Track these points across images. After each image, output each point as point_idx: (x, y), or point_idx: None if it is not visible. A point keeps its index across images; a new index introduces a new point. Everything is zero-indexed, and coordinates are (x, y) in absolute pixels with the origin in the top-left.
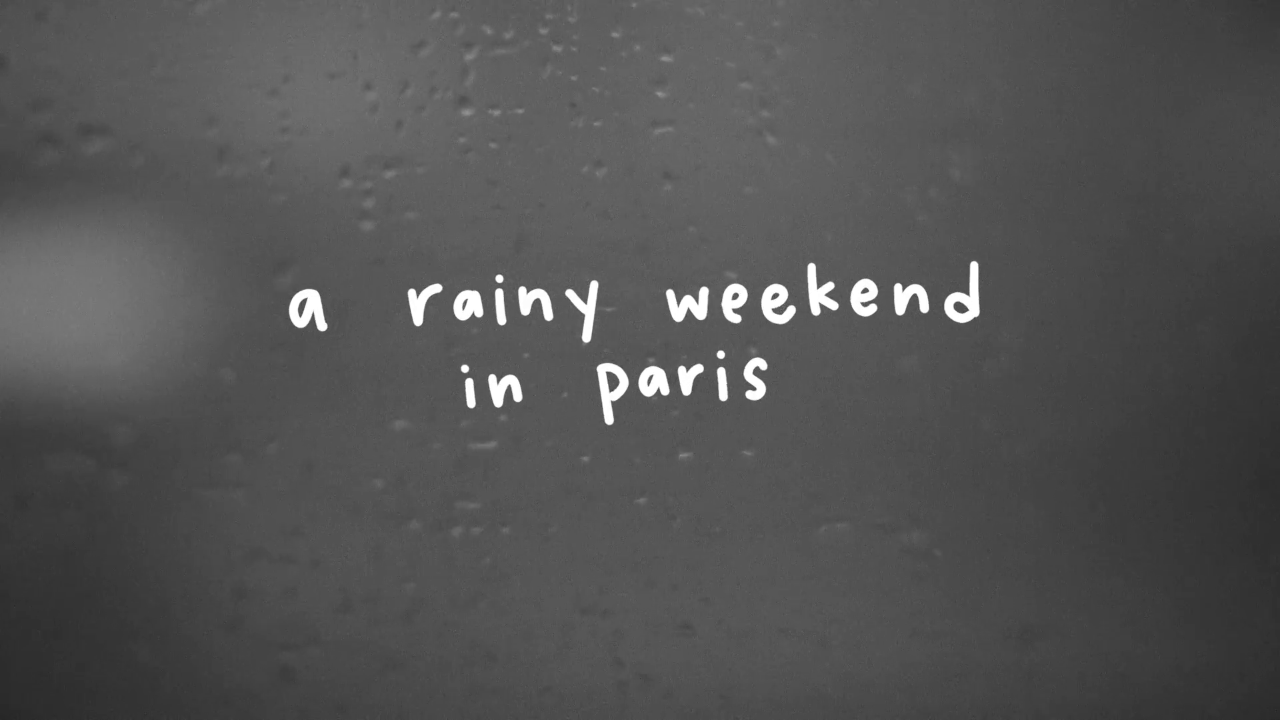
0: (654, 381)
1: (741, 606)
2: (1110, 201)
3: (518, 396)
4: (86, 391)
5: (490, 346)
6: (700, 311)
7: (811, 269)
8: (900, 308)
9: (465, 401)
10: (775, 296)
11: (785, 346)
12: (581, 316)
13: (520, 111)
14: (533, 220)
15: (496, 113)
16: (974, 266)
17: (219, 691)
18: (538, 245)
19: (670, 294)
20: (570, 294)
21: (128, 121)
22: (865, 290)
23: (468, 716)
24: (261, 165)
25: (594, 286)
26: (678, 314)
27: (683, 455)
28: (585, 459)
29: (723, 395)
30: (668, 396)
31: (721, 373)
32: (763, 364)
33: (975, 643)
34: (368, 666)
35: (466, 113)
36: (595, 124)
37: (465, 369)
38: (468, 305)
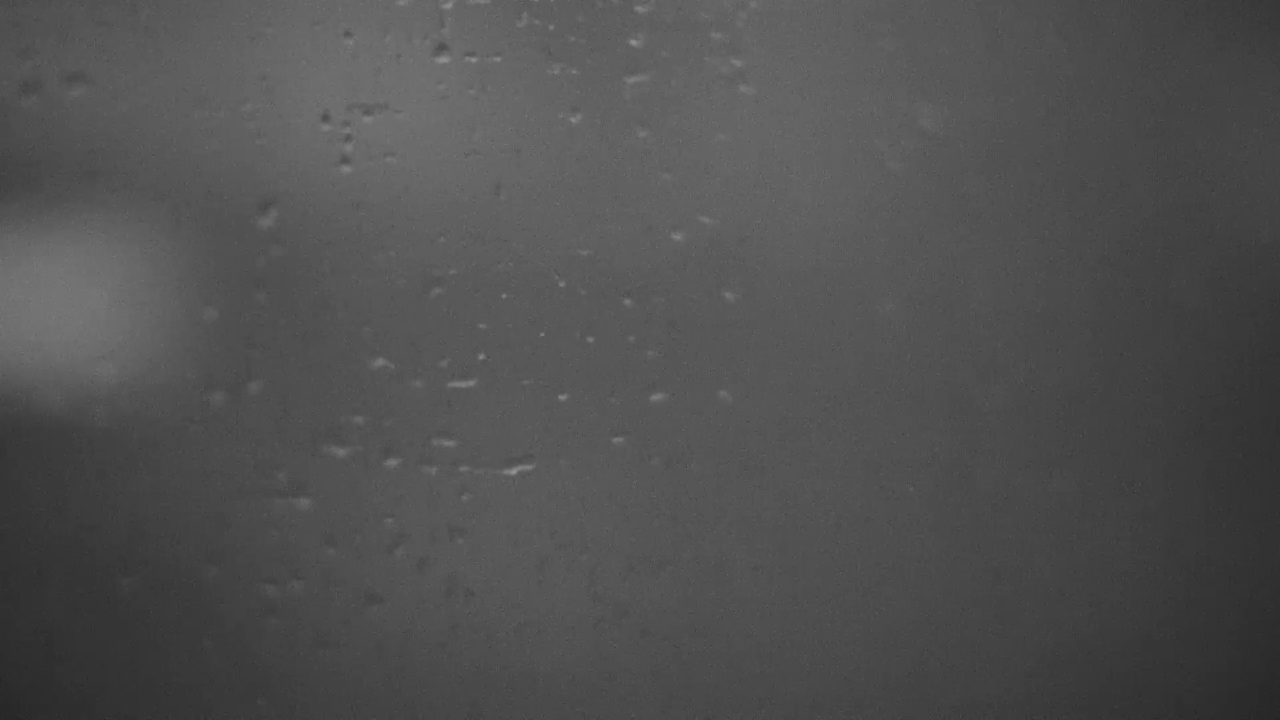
0: (630, 322)
1: (717, 544)
2: (1083, 148)
3: (496, 337)
4: (70, 331)
5: (468, 288)
6: (675, 255)
7: (785, 215)
8: (874, 251)
9: (444, 341)
10: (748, 241)
11: (760, 291)
12: (558, 258)
13: (497, 59)
14: (509, 166)
15: (474, 60)
16: (945, 215)
17: (201, 625)
18: (514, 190)
19: (645, 236)
20: (546, 237)
21: (109, 69)
22: (839, 236)
23: (446, 650)
24: (242, 111)
25: (569, 229)
26: (653, 255)
27: (658, 396)
28: (563, 398)
29: (700, 336)
30: (644, 337)
31: (699, 314)
32: (738, 306)
33: (949, 582)
34: (348, 600)
35: (443, 60)
36: (571, 72)
37: (444, 309)
38: (446, 247)
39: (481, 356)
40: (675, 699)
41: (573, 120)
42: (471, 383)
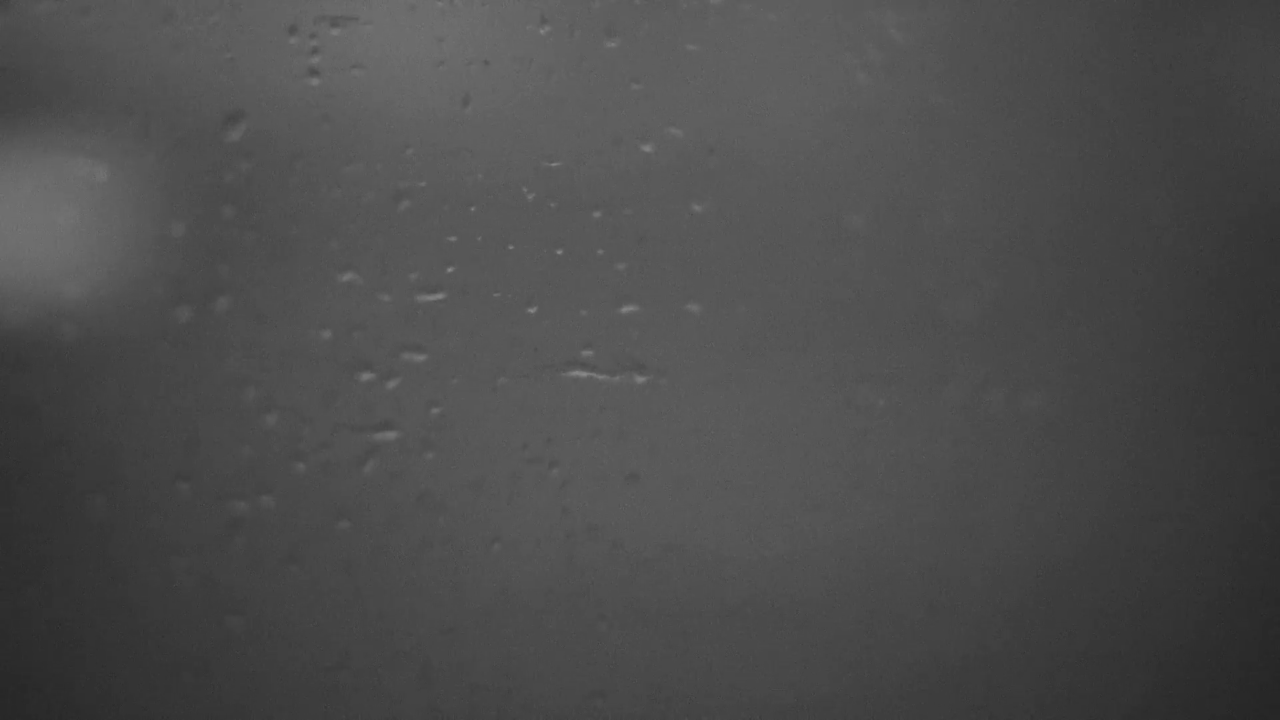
0: (599, 234)
1: (687, 458)
2: (1054, 62)
3: (465, 250)
4: (37, 248)
5: (437, 199)
6: (644, 165)
7: (754, 127)
8: (843, 163)
9: (413, 254)
10: (716, 151)
11: (729, 201)
12: (526, 171)
13: None
14: (478, 77)
15: None
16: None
17: (170, 541)
18: (482, 102)
19: (614, 148)
20: (515, 150)
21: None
22: (807, 148)
23: (417, 565)
24: (209, 23)
25: (538, 141)
26: (622, 167)
27: (628, 309)
28: (532, 310)
29: (669, 248)
30: (613, 250)
31: (668, 227)
32: (707, 219)
33: (918, 499)
34: (317, 516)
35: None
36: None
37: (412, 222)
38: (414, 159)
39: (450, 270)
40: (646, 613)
41: (541, 31)
42: (440, 296)
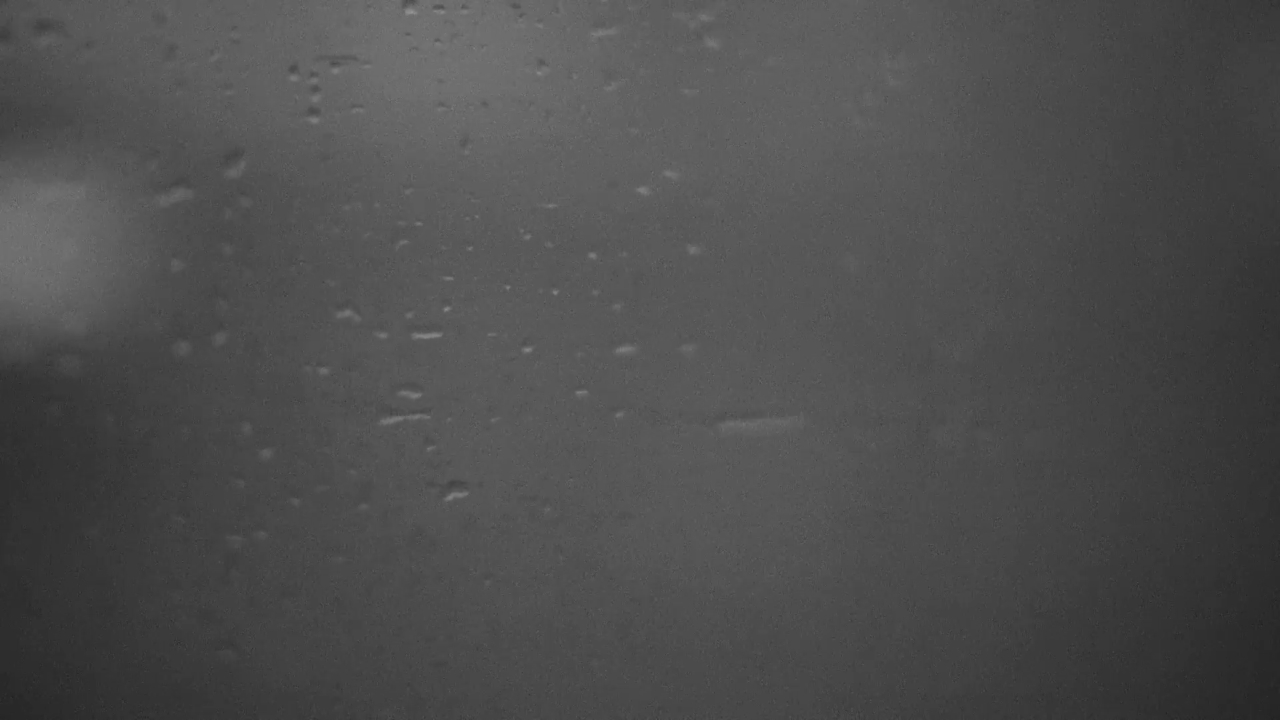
0: (595, 275)
1: (680, 497)
2: (1048, 105)
3: (462, 289)
4: (36, 281)
5: (435, 239)
6: (640, 209)
7: (750, 169)
8: (838, 208)
9: (410, 293)
10: (714, 194)
11: (725, 243)
12: (524, 211)
13: (464, 11)
14: (477, 118)
15: (441, 12)
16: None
17: (166, 575)
18: (481, 143)
19: (611, 190)
20: (513, 190)
21: (79, 18)
22: (802, 191)
23: (410, 602)
24: (210, 61)
25: (535, 182)
26: (618, 209)
27: (623, 349)
28: (527, 350)
29: (664, 289)
30: (609, 290)
31: (663, 268)
32: (703, 261)
33: (913, 536)
34: (312, 551)
35: (411, 12)
36: (538, 25)
37: (410, 261)
38: (412, 199)
39: (447, 309)
40: (638, 649)
41: (539, 73)
42: (437, 335)
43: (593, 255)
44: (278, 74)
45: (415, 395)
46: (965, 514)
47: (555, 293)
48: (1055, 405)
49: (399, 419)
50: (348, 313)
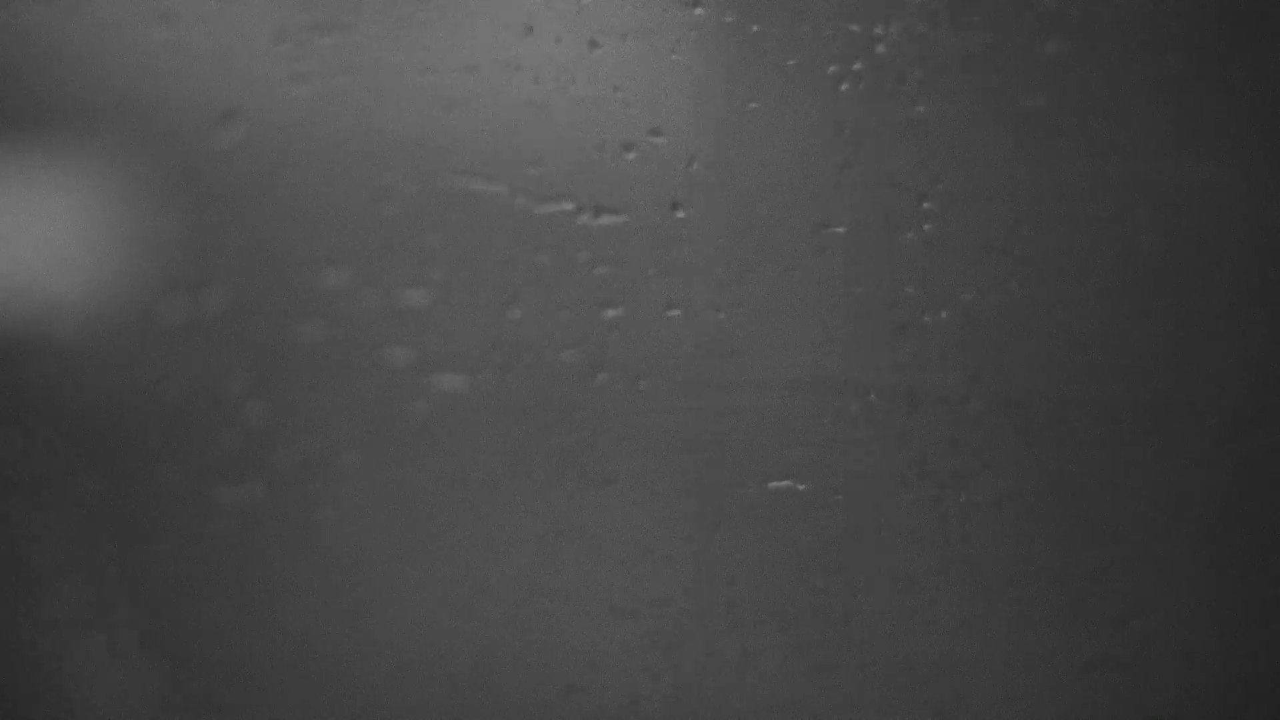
0: (581, 238)
1: (664, 460)
2: (1036, 78)
3: (448, 251)
4: (27, 246)
5: (422, 203)
6: (627, 173)
7: (736, 134)
8: (825, 175)
9: (396, 254)
10: (696, 161)
11: (710, 209)
12: (510, 175)
13: None
14: (464, 85)
15: None
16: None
17: (158, 527)
18: (468, 109)
19: (596, 155)
20: (499, 154)
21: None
22: (789, 155)
23: (396, 557)
24: (200, 31)
25: (522, 147)
26: (605, 174)
27: (610, 312)
28: (513, 311)
29: (650, 253)
30: (595, 254)
31: (648, 231)
32: (688, 225)
33: (893, 497)
34: (302, 502)
35: None
36: None
37: (396, 222)
38: (399, 165)
39: (433, 270)
40: (622, 612)
41: (527, 37)
42: (424, 295)
43: (580, 219)
44: (267, 40)
45: (403, 354)
46: (945, 471)
47: (541, 256)
48: (1028, 361)
49: (386, 376)
50: (335, 273)
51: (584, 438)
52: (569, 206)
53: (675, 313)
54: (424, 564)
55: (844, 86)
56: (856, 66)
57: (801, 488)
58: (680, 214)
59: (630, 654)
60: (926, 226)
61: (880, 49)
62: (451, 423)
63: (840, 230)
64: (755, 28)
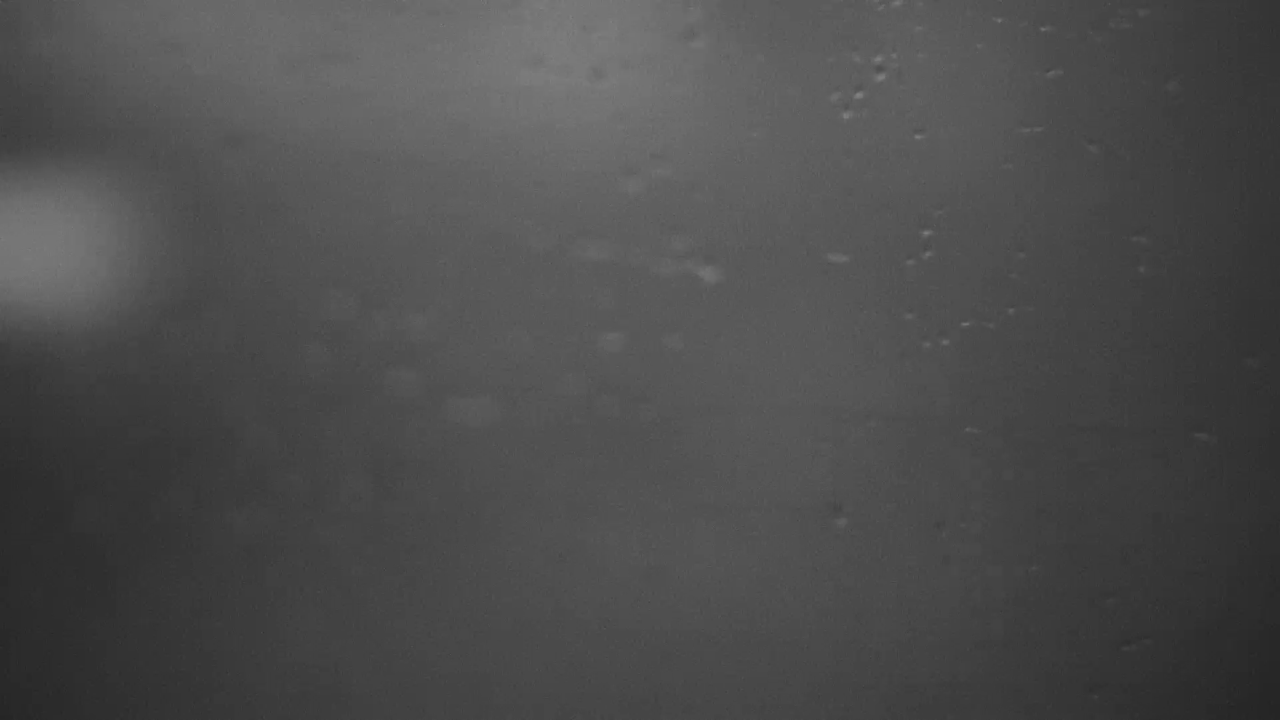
0: (586, 265)
1: (668, 485)
2: (1039, 93)
3: (454, 272)
4: (33, 261)
5: (429, 224)
6: (630, 199)
7: (741, 163)
8: (827, 200)
9: (403, 275)
10: (703, 189)
11: (712, 236)
12: (515, 203)
13: (457, 11)
14: (473, 110)
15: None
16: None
17: (156, 547)
18: (475, 135)
19: (599, 180)
20: (505, 182)
21: (82, 18)
22: (789, 184)
23: (400, 581)
24: (209, 58)
25: (527, 175)
26: (608, 201)
27: (612, 337)
28: (520, 334)
29: (652, 279)
30: (598, 279)
31: (652, 255)
32: (694, 254)
33: (891, 528)
34: (304, 529)
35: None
36: (531, 25)
37: (404, 243)
38: (408, 184)
39: (440, 292)
40: (624, 635)
41: (534, 70)
42: (430, 317)
43: (585, 245)
44: (276, 62)
45: (408, 376)
46: (946, 501)
47: (547, 280)
48: (1038, 396)
49: (390, 399)
50: (342, 295)
51: (586, 462)
52: (574, 232)
53: (677, 338)
54: (428, 585)
55: (846, 115)
56: (858, 94)
57: (803, 511)
58: (682, 240)
59: (631, 676)
60: (927, 254)
61: (879, 76)
62: (456, 443)
63: (842, 258)
64: (759, 57)
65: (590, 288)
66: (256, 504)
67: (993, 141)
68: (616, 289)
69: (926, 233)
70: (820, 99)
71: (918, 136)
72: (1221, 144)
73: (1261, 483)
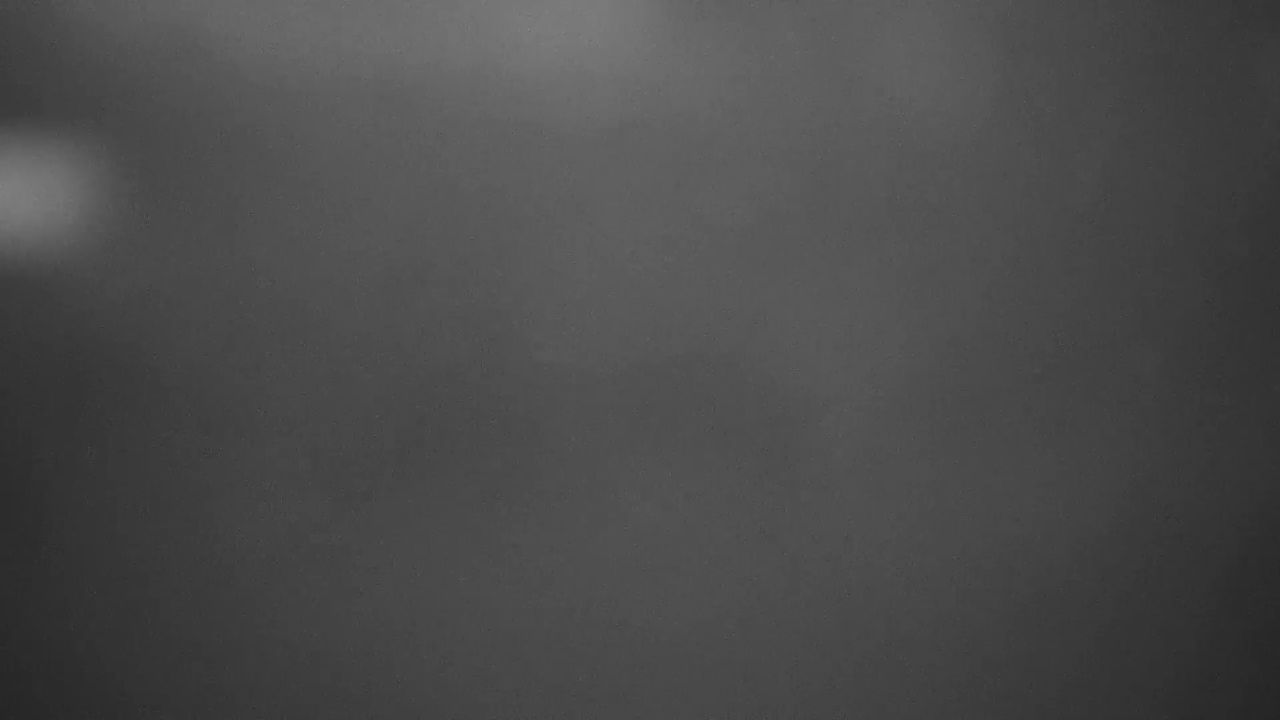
0: (583, 256)
1: (657, 477)
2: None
3: (445, 262)
4: (18, 246)
5: (421, 214)
6: (629, 184)
7: (737, 145)
8: (825, 192)
9: (394, 263)
10: (695, 170)
11: (708, 219)
12: (509, 190)
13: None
14: (465, 98)
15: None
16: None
17: (154, 535)
18: (469, 127)
19: (601, 178)
20: (499, 171)
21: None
22: (788, 174)
23: (395, 577)
24: (209, 46)
25: (522, 163)
26: (605, 195)
27: (608, 323)
28: (512, 324)
29: (649, 264)
30: (595, 264)
31: (648, 241)
32: (685, 236)
33: (896, 531)
34: (298, 519)
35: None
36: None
37: (394, 233)
38: (403, 178)
39: (433, 274)
40: (621, 636)
41: (526, 51)
42: (424, 306)
43: (582, 237)
44: (268, 45)
45: (397, 365)
46: (954, 492)
47: (542, 269)
48: (1047, 408)
49: (380, 386)
50: (333, 282)
51: (579, 448)
52: (568, 223)
53: (673, 323)
54: (419, 591)
55: (849, 117)
56: (863, 98)
57: (800, 512)
58: (676, 223)
59: (627, 678)
60: (926, 253)
61: (885, 71)
62: (450, 435)
63: (835, 250)
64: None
65: (586, 271)
66: (252, 497)
67: (1007, 126)
68: (614, 273)
69: (923, 231)
70: (821, 100)
71: (927, 126)
72: (1229, 155)
73: (1266, 498)
